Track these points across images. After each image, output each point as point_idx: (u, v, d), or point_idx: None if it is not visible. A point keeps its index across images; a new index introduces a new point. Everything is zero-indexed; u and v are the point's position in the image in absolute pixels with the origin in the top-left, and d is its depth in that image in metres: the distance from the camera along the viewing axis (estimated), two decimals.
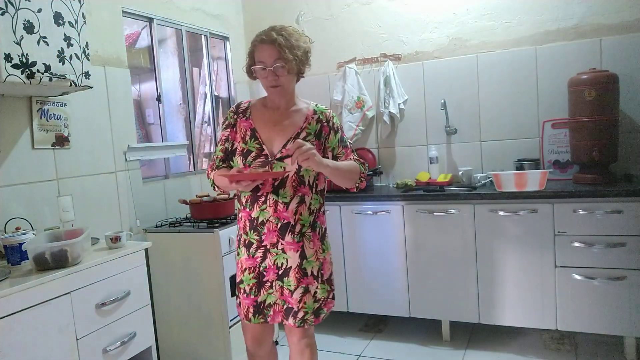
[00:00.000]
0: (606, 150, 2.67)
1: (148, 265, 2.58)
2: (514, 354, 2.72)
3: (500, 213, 2.68)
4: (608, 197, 2.46)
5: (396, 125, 3.45)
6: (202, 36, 3.51)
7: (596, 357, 2.61)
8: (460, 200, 2.77)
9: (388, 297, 3.00)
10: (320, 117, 1.84)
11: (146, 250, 2.33)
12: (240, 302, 1.88)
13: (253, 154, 1.78)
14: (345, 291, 3.12)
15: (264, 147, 1.78)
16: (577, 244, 2.53)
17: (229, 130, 1.87)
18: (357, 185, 1.86)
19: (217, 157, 1.88)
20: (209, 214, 2.70)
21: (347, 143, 1.88)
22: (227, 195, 2.78)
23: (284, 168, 1.75)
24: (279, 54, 1.68)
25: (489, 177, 3.01)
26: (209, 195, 2.81)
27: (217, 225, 2.61)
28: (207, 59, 3.56)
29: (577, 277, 2.54)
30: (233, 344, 2.59)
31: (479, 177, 3.04)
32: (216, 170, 1.86)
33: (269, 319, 1.83)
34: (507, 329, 2.93)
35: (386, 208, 2.95)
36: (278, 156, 1.74)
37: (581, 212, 2.51)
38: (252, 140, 1.79)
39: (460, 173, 3.12)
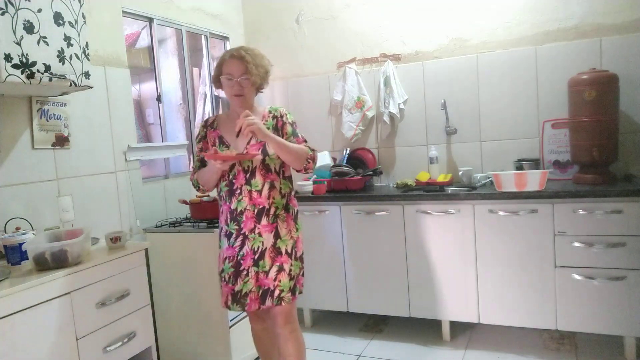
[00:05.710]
0: (606, 150, 2.67)
1: (148, 265, 2.58)
2: (514, 354, 2.72)
3: (500, 213, 2.68)
4: (608, 197, 2.46)
5: (396, 125, 3.44)
6: (202, 36, 3.51)
7: (596, 357, 2.61)
8: (460, 200, 2.77)
9: (388, 297, 3.00)
10: (275, 113, 2.12)
11: (146, 250, 2.34)
12: (222, 290, 2.09)
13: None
14: (345, 291, 3.12)
15: (231, 148, 2.06)
16: (577, 244, 2.53)
17: (202, 142, 2.16)
18: (305, 166, 2.07)
19: (195, 167, 2.18)
20: (209, 214, 2.69)
21: (300, 135, 2.12)
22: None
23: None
24: (245, 69, 1.98)
25: (489, 177, 3.01)
26: (208, 196, 2.80)
27: (217, 225, 2.59)
28: (207, 59, 3.56)
29: (577, 277, 2.54)
30: (233, 344, 2.59)
31: (479, 177, 3.04)
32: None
33: (246, 307, 2.01)
34: (507, 329, 2.93)
35: (386, 208, 2.95)
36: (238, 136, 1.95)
37: (581, 212, 2.51)
38: (221, 145, 2.08)
39: (460, 173, 3.12)
